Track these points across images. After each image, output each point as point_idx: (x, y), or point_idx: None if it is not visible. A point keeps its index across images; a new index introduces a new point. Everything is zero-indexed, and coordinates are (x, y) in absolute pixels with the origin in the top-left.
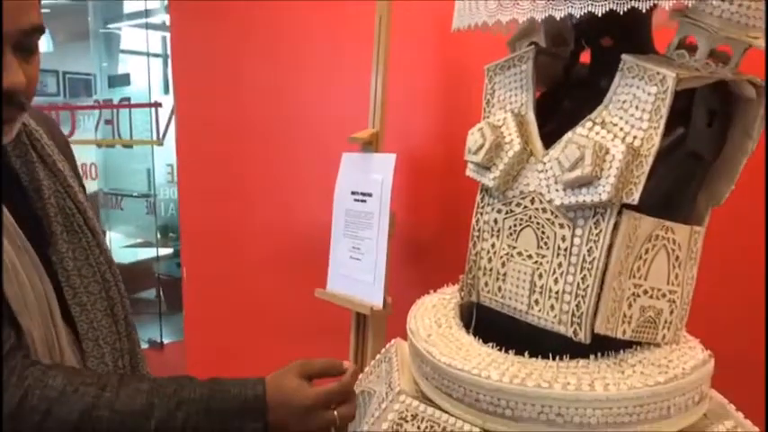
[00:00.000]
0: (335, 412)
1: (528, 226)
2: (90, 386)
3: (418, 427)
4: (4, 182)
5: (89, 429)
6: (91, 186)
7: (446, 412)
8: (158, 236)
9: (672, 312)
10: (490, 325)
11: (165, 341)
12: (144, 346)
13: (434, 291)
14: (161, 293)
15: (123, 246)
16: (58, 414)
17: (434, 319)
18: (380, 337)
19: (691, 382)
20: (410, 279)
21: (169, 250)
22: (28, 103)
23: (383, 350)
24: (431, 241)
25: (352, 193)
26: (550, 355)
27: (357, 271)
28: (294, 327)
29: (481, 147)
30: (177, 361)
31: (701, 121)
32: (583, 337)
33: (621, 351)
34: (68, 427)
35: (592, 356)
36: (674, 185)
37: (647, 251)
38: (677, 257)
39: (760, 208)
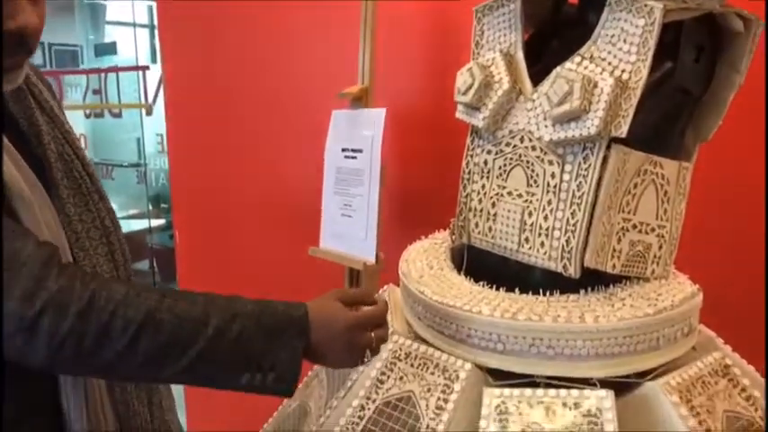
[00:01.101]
0: (372, 334)
1: (517, 165)
2: (151, 292)
3: (411, 365)
4: (6, 123)
5: (151, 331)
6: None
7: (438, 349)
8: (150, 206)
9: (661, 247)
10: (481, 266)
11: None
12: None
13: None
14: (154, 264)
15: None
16: (125, 314)
17: (426, 261)
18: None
19: (680, 313)
20: (402, 234)
21: (161, 221)
22: (35, 47)
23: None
24: (422, 196)
25: (343, 149)
26: (540, 291)
27: (349, 227)
28: (288, 286)
29: (470, 87)
30: None
31: (688, 56)
32: (573, 271)
33: (611, 286)
34: (133, 327)
35: (582, 291)
36: (663, 120)
37: (635, 186)
38: (666, 192)
39: (754, 142)
